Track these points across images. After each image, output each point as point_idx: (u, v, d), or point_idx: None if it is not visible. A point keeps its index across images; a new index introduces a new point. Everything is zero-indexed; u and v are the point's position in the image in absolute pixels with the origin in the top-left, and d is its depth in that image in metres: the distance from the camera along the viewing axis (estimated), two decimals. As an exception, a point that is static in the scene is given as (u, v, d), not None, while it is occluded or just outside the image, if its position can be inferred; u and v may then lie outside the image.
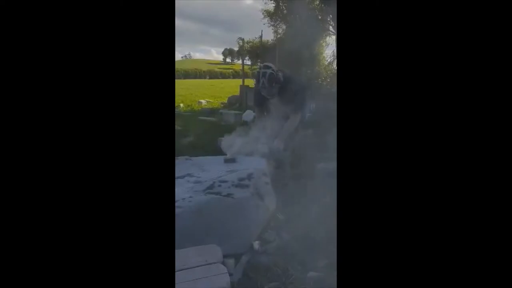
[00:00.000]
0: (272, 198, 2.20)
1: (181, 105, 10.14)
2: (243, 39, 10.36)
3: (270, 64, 2.68)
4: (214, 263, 1.24)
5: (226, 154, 2.57)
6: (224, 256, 1.82)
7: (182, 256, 1.25)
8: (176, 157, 2.74)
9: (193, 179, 2.02)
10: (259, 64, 8.93)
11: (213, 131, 5.03)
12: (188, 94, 14.64)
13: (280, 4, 9.06)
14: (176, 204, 1.75)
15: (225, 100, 10.29)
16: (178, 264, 1.20)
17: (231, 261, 1.86)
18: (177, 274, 1.14)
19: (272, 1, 9.20)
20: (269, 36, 10.15)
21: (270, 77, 2.51)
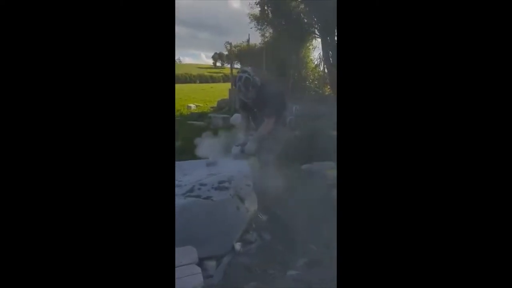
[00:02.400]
0: (254, 199, 2.24)
1: (170, 110, 10.11)
2: (230, 43, 10.40)
3: (247, 69, 2.76)
4: (189, 264, 1.27)
5: (207, 158, 2.61)
6: (205, 258, 1.84)
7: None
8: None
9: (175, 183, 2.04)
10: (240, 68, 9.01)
11: (201, 135, 5.04)
12: (178, 98, 14.58)
13: (266, 8, 9.16)
14: (155, 208, 1.77)
15: (215, 104, 10.31)
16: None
17: (212, 263, 1.88)
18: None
19: (257, 5, 9.30)
20: (256, 40, 10.21)
21: (245, 81, 2.58)
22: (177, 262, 1.27)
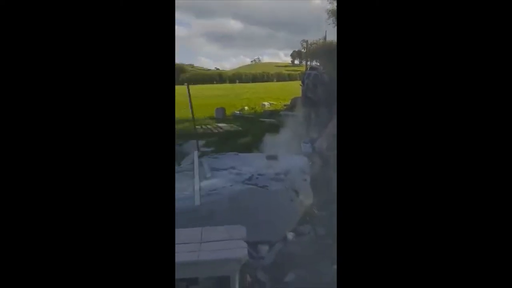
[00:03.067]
0: (309, 194, 2.30)
1: (246, 107, 10.72)
2: (306, 41, 10.34)
3: (316, 66, 2.79)
4: (238, 239, 1.45)
5: (273, 153, 2.77)
6: (259, 242, 2.02)
7: (211, 231, 1.50)
8: (225, 153, 3.06)
9: (235, 171, 2.28)
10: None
11: (271, 132, 5.28)
12: (254, 97, 15.30)
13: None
14: (216, 191, 2.02)
15: (289, 102, 10.46)
16: (205, 237, 1.45)
17: (265, 247, 2.05)
18: (202, 245, 1.40)
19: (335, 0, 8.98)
20: (334, 36, 9.88)
21: (314, 78, 2.62)
22: (226, 236, 1.47)
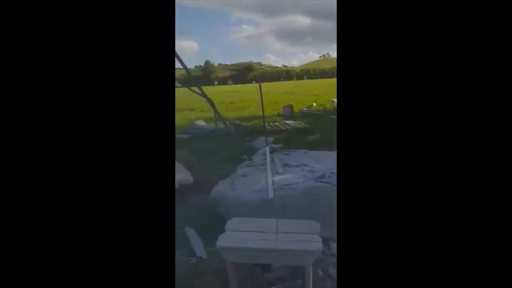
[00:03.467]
0: (385, 195, 2.19)
1: (314, 104, 10.54)
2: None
3: None
4: (312, 233, 1.49)
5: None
6: (330, 239, 2.01)
7: (286, 224, 1.58)
8: (295, 150, 3.10)
9: (308, 168, 2.31)
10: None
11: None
12: (323, 93, 14.90)
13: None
14: (290, 186, 2.09)
15: (359, 98, 9.90)
16: (281, 228, 1.53)
17: (335, 245, 2.04)
18: (278, 235, 1.48)
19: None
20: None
21: None
22: (301, 230, 1.53)
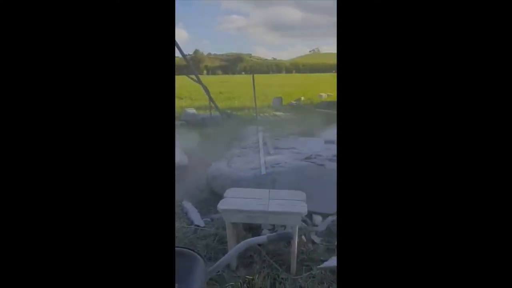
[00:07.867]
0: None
1: (302, 98, 10.84)
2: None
3: None
4: (299, 200, 1.78)
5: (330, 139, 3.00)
6: (314, 212, 2.31)
7: (277, 193, 1.86)
8: (287, 137, 3.37)
9: (296, 151, 2.59)
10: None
11: (328, 122, 5.44)
12: (311, 88, 15.24)
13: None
14: (280, 165, 2.36)
15: (346, 94, 10.25)
16: (273, 196, 1.81)
17: (319, 217, 2.34)
18: (270, 201, 1.75)
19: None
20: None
21: None
22: (289, 196, 1.81)
